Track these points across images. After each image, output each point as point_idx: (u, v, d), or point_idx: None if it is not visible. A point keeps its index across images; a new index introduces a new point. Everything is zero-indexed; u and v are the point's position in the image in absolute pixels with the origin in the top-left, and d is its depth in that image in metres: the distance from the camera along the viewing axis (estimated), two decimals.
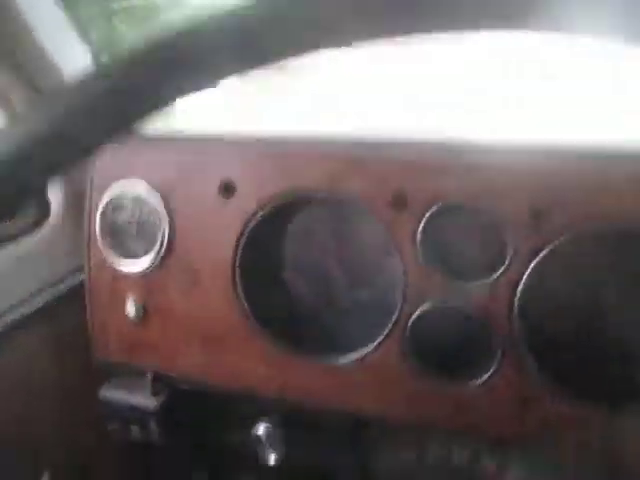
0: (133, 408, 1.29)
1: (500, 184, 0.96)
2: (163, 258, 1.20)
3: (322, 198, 1.10)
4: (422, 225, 1.02)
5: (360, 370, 1.10)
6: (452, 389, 1.04)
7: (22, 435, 1.35)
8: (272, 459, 1.25)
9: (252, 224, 1.13)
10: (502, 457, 0.91)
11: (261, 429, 1.25)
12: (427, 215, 1.01)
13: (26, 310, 1.38)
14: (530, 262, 0.96)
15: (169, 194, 1.20)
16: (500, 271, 0.97)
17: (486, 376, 1.01)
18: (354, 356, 1.10)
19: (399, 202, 1.03)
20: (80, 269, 1.44)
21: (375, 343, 1.08)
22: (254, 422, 1.29)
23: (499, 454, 0.91)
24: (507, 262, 0.97)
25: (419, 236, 1.02)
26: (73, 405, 1.48)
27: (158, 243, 1.19)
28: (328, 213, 1.20)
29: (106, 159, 1.27)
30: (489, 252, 1.00)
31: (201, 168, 1.17)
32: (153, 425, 1.29)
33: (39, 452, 1.38)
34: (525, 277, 0.97)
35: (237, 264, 1.15)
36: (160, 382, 1.30)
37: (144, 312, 1.24)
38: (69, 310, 1.47)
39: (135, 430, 1.32)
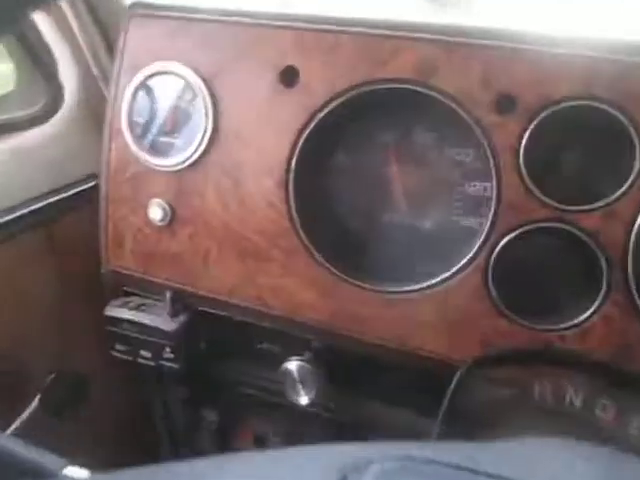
0: (146, 329, 1.11)
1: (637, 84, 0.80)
2: (202, 154, 1.01)
3: (403, 94, 0.93)
4: (529, 132, 0.85)
5: (427, 302, 0.94)
6: (539, 331, 0.89)
7: (12, 353, 1.17)
8: (304, 400, 1.09)
9: (317, 119, 0.95)
10: (624, 399, 0.77)
11: (293, 366, 1.08)
12: (536, 121, 0.85)
13: (26, 212, 1.19)
14: None
15: (214, 79, 1.00)
16: (623, 189, 0.82)
17: (583, 317, 0.86)
18: (421, 285, 0.94)
19: (505, 104, 0.85)
20: (94, 176, 1.25)
21: (451, 271, 0.92)
22: (283, 359, 1.12)
23: (619, 396, 0.77)
24: (632, 178, 0.81)
25: (524, 145, 0.85)
26: (73, 322, 1.30)
27: (199, 135, 1.00)
28: (404, 115, 1.01)
29: (138, 36, 1.06)
30: (608, 168, 0.84)
31: (258, 51, 0.98)
32: (167, 351, 1.12)
33: (32, 371, 1.20)
34: None
35: (292, 167, 0.97)
36: (180, 303, 1.12)
37: (172, 216, 1.05)
38: (77, 216, 1.28)
39: (145, 355, 1.14)
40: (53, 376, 1.25)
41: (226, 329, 1.15)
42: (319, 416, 1.20)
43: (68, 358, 1.30)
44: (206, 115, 1.00)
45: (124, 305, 1.15)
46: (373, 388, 1.13)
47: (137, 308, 1.14)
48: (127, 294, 1.19)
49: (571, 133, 0.88)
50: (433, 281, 0.93)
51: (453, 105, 0.88)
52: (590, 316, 0.86)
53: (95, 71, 1.28)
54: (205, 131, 1.00)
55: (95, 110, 1.30)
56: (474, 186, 1.02)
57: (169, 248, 1.08)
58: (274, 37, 0.98)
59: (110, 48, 1.27)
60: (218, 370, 1.23)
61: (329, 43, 0.94)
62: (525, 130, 0.85)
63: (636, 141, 0.82)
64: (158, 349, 1.12)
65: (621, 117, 0.82)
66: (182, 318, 1.11)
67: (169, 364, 1.12)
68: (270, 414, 1.25)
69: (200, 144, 1.00)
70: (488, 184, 0.99)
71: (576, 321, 0.87)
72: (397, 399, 1.13)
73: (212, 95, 1.00)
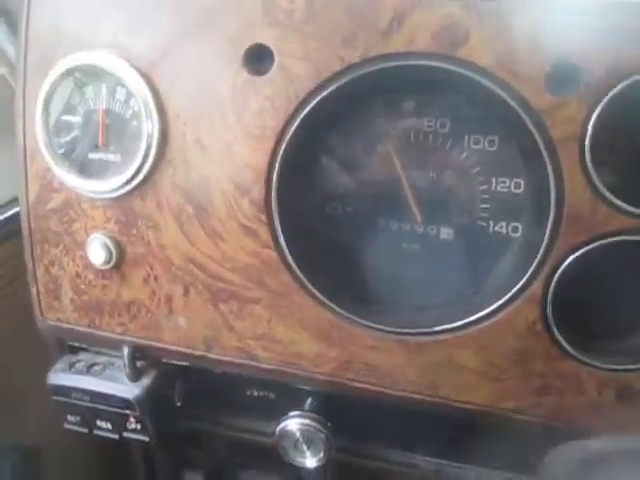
0: (101, 397, 0.84)
1: None
2: (150, 171, 0.73)
3: (416, 73, 0.67)
4: (596, 116, 0.61)
5: (464, 344, 0.70)
6: (614, 372, 0.67)
7: None
8: (310, 463, 0.86)
9: (302, 116, 0.68)
10: None
11: (293, 425, 0.84)
12: (605, 100, 0.60)
13: None
14: None
15: (154, 69, 0.72)
16: None
17: None
18: (456, 324, 0.71)
19: (562, 79, 0.61)
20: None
21: (495, 304, 0.68)
22: (279, 409, 0.88)
23: None
24: None
25: (591, 133, 0.61)
26: (23, 388, 1.02)
27: (142, 147, 0.72)
28: (416, 101, 0.76)
29: (46, 15, 0.76)
30: None
31: (214, 26, 0.70)
32: (132, 421, 0.85)
33: None
34: None
35: (274, 180, 0.70)
36: (143, 359, 0.85)
37: (119, 255, 0.78)
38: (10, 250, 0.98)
39: (104, 427, 0.87)
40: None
41: (206, 379, 0.90)
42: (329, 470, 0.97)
43: (18, 430, 1.02)
44: (148, 119, 0.71)
45: (70, 367, 0.87)
46: (391, 433, 0.91)
47: (87, 370, 0.86)
48: (75, 349, 0.91)
49: None
50: (472, 318, 0.69)
51: (489, 83, 0.63)
52: None
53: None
54: (149, 141, 0.72)
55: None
56: (503, 183, 0.78)
57: (120, 295, 0.80)
58: (235, 5, 0.70)
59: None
60: (200, 427, 0.98)
61: (311, 9, 0.67)
62: (591, 113, 0.61)
63: None
64: (120, 420, 0.86)
65: None
66: (146, 380, 0.84)
67: (135, 436, 0.87)
68: (267, 474, 1.01)
69: (145, 159, 0.72)
70: (520, 180, 0.76)
71: None
72: (419, 445, 0.91)
73: (154, 92, 0.71)
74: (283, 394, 0.90)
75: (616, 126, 0.62)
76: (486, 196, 0.80)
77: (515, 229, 0.80)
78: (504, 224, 0.81)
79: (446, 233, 0.83)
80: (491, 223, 0.81)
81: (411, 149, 0.80)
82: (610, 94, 0.60)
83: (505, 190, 0.79)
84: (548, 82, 0.61)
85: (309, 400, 0.88)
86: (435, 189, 0.81)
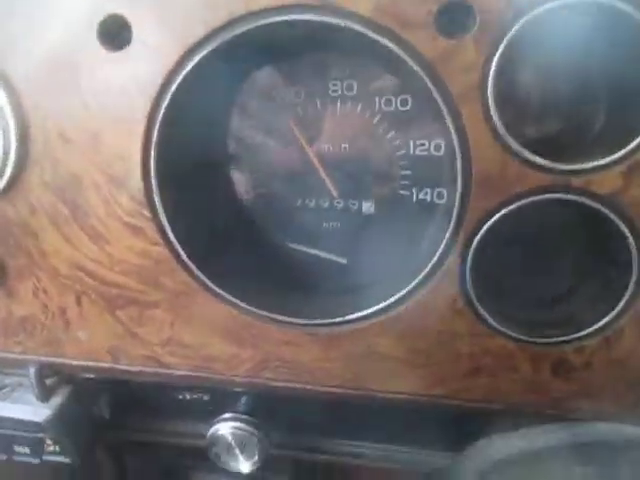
0: (10, 422, 0.76)
1: None
2: (15, 172, 0.63)
3: (296, 27, 0.56)
4: (496, 59, 0.51)
5: (384, 331, 0.62)
6: (548, 346, 0.59)
7: None
8: (245, 468, 0.78)
9: (172, 92, 0.58)
10: None
11: (225, 429, 0.76)
12: (507, 40, 0.51)
13: None
14: None
15: (4, 63, 0.61)
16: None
17: (605, 320, 0.56)
18: (373, 309, 0.62)
19: (457, 18, 0.51)
20: None
21: (412, 283, 0.60)
22: (214, 410, 0.80)
23: None
24: None
25: (492, 79, 0.52)
26: None
27: (0, 149, 0.62)
28: (305, 58, 0.67)
29: None
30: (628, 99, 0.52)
31: (60, 3, 0.59)
32: (49, 443, 0.77)
33: None
34: None
35: (152, 169, 0.60)
36: (50, 377, 0.77)
37: (1, 269, 0.68)
38: None
39: (23, 451, 0.79)
40: None
41: (131, 387, 0.81)
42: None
43: None
44: (1, 115, 0.61)
45: None
46: (332, 425, 0.83)
47: None
48: None
49: (557, 51, 0.55)
50: (389, 301, 0.61)
51: (374, 35, 0.53)
52: (615, 318, 0.56)
53: None
54: (7, 138, 0.61)
55: None
56: (422, 146, 0.69)
57: (11, 312, 0.71)
58: None
59: None
60: (133, 437, 0.90)
61: None
62: (492, 56, 0.51)
63: None
64: (36, 443, 0.77)
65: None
66: (58, 399, 0.76)
67: (57, 459, 0.78)
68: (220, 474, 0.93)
69: (5, 159, 0.62)
70: (440, 141, 0.67)
71: (596, 327, 0.57)
72: (364, 433, 0.84)
73: (5, 81, 0.61)
74: (216, 395, 0.82)
75: (518, 69, 0.52)
76: (405, 162, 0.71)
77: (440, 195, 0.72)
78: (428, 190, 0.72)
79: (368, 207, 0.74)
80: (414, 191, 0.73)
81: (317, 118, 0.71)
82: (512, 31, 0.50)
83: (425, 153, 0.70)
84: (438, 26, 0.51)
85: (243, 399, 0.80)
86: (349, 160, 0.72)
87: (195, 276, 0.64)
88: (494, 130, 0.52)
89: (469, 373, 0.61)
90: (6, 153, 0.61)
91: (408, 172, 0.71)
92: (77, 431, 0.77)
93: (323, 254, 0.73)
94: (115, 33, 0.58)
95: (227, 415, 0.78)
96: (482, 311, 0.58)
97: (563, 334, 0.58)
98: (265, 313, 0.64)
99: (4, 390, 0.78)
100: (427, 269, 0.58)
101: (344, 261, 0.71)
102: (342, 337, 0.62)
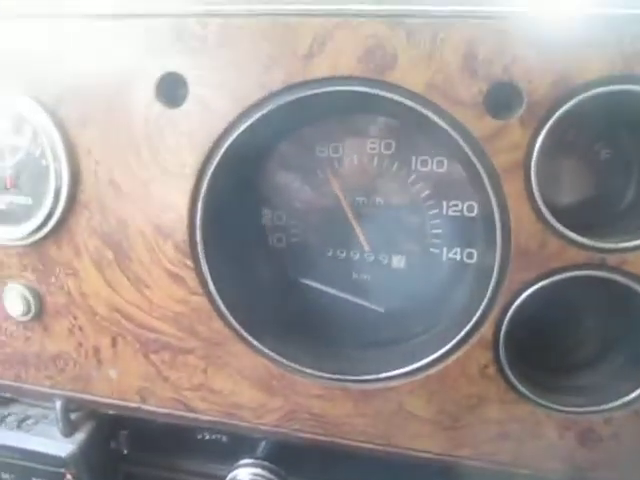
0: (32, 455, 0.76)
1: None
2: (63, 215, 0.65)
3: (342, 98, 0.59)
4: (541, 139, 0.53)
5: (414, 391, 0.63)
6: (576, 414, 0.60)
7: None
8: None
9: (224, 150, 0.60)
10: None
11: (244, 475, 0.76)
12: (551, 122, 0.53)
13: None
14: None
15: (59, 107, 0.63)
16: None
17: (635, 394, 0.57)
18: (404, 370, 0.63)
19: (504, 99, 0.53)
20: None
21: (445, 347, 0.61)
22: (232, 452, 0.80)
23: None
24: None
25: (535, 160, 0.54)
26: None
27: (51, 189, 0.64)
28: (348, 125, 0.68)
29: None
30: None
31: (122, 53, 0.61)
32: (69, 478, 0.77)
33: None
34: None
35: (198, 220, 0.62)
36: (75, 413, 0.77)
37: (39, 305, 0.69)
38: None
39: None
40: None
41: (153, 425, 0.81)
42: None
43: None
44: (56, 157, 0.63)
45: (1, 422, 0.79)
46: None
47: (19, 425, 0.78)
48: (7, 401, 0.83)
49: (602, 135, 0.57)
50: (421, 363, 0.62)
51: (424, 110, 0.55)
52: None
53: None
54: (59, 182, 0.63)
55: None
56: (455, 206, 0.71)
57: (45, 347, 0.72)
58: (144, 32, 0.61)
59: None
60: (151, 473, 0.90)
61: (225, 33, 0.59)
62: (536, 137, 0.53)
63: None
64: (56, 477, 0.78)
65: None
66: (81, 435, 0.76)
67: None
68: None
69: (56, 202, 0.63)
70: (473, 203, 0.69)
71: (626, 399, 0.58)
72: None
73: (61, 127, 0.63)
74: (236, 437, 0.82)
75: (562, 149, 0.54)
76: (437, 221, 0.73)
77: (470, 255, 0.73)
78: (458, 250, 0.73)
79: (398, 261, 0.75)
80: (444, 250, 0.74)
81: (354, 174, 0.73)
82: (556, 115, 0.52)
83: (457, 214, 0.72)
84: (487, 105, 0.53)
85: (262, 444, 0.80)
86: (383, 215, 0.73)
87: (231, 325, 0.65)
88: (537, 209, 0.53)
89: (496, 437, 0.62)
90: (57, 196, 0.63)
91: (439, 231, 0.73)
92: (99, 467, 0.77)
93: (359, 300, 0.74)
94: (172, 89, 0.60)
95: (247, 461, 0.78)
96: (513, 379, 0.59)
97: (591, 403, 0.59)
98: (297, 366, 0.64)
99: (28, 421, 0.79)
100: (461, 334, 0.59)
101: (381, 309, 0.72)
102: (373, 394, 0.63)
